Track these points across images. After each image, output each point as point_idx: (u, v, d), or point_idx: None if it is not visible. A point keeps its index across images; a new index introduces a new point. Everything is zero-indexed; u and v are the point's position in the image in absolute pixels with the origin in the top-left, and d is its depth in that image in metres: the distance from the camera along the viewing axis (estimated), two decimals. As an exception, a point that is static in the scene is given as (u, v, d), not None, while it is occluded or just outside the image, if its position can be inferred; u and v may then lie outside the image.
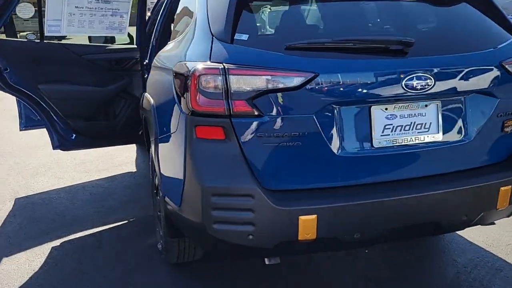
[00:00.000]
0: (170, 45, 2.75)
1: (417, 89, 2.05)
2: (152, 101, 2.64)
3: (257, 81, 1.95)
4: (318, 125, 2.00)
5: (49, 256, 3.16)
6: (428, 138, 2.16)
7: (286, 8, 2.42)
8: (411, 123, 2.14)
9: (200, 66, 1.99)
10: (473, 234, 3.26)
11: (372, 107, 2.08)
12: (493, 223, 2.51)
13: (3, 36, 4.45)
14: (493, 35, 2.29)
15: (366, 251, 3.08)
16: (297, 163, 2.04)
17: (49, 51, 3.49)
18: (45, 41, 3.55)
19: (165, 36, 3.70)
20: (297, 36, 2.08)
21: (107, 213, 3.80)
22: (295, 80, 1.96)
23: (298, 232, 2.00)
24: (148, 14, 4.55)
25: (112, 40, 5.09)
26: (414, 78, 2.03)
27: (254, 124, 1.98)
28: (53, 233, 3.48)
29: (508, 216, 2.44)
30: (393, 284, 2.78)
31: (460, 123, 2.19)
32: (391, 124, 2.11)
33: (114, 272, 2.95)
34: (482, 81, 2.17)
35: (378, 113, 2.09)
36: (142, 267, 3.00)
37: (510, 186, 2.15)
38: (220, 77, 1.96)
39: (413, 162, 2.15)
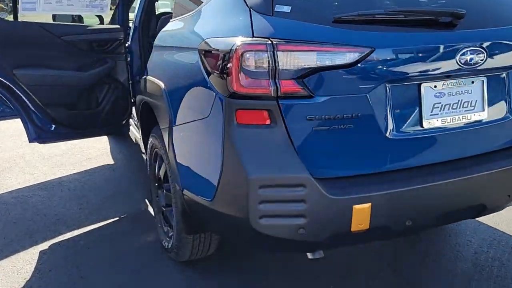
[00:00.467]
0: (178, 23, 2.47)
1: (470, 64, 1.92)
2: (162, 85, 2.36)
3: (308, 58, 1.75)
4: (372, 106, 1.83)
5: (39, 261, 2.82)
6: (474, 116, 2.05)
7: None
8: (459, 101, 2.02)
9: (243, 42, 1.75)
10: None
11: (422, 84, 1.94)
12: None
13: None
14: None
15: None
16: (347, 147, 1.87)
17: (24, 32, 3.09)
18: (19, 20, 3.15)
19: (150, 16, 3.41)
20: (343, 8, 1.89)
21: (92, 210, 3.48)
22: (349, 56, 1.77)
23: (351, 222, 1.83)
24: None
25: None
26: (469, 52, 1.90)
27: (303, 106, 1.78)
28: (37, 235, 3.13)
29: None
30: (417, 270, 2.69)
31: (504, 99, 2.09)
32: (440, 103, 1.98)
33: (119, 275, 2.67)
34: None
35: (428, 91, 1.95)
36: (148, 267, 2.74)
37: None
38: (267, 54, 1.74)
39: (461, 142, 2.04)
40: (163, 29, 2.65)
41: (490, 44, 1.95)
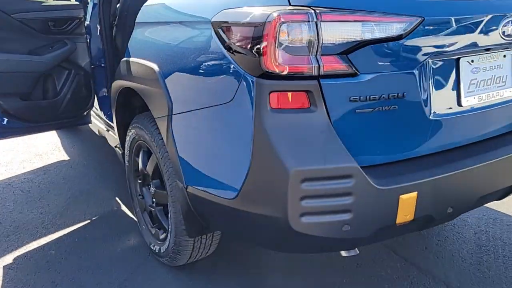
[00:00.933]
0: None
1: (509, 36, 1.78)
2: (155, 67, 2.03)
3: (353, 30, 1.52)
4: (417, 83, 1.64)
5: (5, 279, 2.41)
6: (506, 92, 1.93)
7: None
8: (492, 76, 1.88)
9: (280, 11, 1.49)
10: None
11: (461, 59, 1.77)
12: None
13: None
14: None
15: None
16: (390, 131, 1.68)
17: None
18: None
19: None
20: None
21: (57, 214, 3.07)
22: (398, 27, 1.56)
23: (397, 214, 1.65)
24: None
25: None
26: (510, 23, 1.76)
27: (347, 85, 1.56)
28: (-5, 248, 2.69)
29: None
30: (425, 255, 2.59)
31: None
32: (476, 79, 1.83)
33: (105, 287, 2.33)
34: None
35: (465, 66, 1.79)
36: (137, 275, 2.41)
37: None
38: (308, 25, 1.49)
39: (496, 120, 1.92)
40: (148, 2, 2.29)
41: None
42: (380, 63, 1.57)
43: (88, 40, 3.12)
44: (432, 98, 1.71)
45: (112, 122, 3.18)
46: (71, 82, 3.08)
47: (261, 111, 1.55)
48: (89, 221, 2.99)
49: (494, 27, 1.74)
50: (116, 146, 2.94)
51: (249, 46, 1.55)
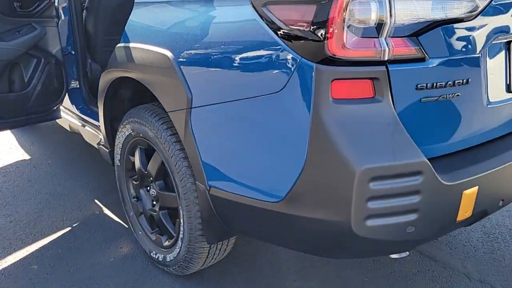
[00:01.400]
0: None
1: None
2: (168, 53, 1.76)
3: (424, 8, 1.35)
4: (481, 68, 1.51)
5: (-15, 303, 2.07)
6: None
7: None
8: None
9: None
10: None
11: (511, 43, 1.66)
12: None
13: None
14: None
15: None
16: (450, 120, 1.54)
17: None
18: None
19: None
20: None
21: (29, 222, 2.72)
22: (469, 5, 1.41)
23: (459, 211, 1.52)
24: None
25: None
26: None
27: (414, 71, 1.40)
28: (-36, 266, 2.32)
29: None
30: (437, 245, 2.52)
31: None
32: (521, 64, 1.73)
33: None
34: None
35: (513, 50, 1.68)
36: (141, 285, 2.16)
37: None
38: (380, 3, 1.30)
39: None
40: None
41: None
42: (448, 47, 1.43)
43: (58, 24, 2.76)
44: (488, 84, 1.59)
45: (88, 117, 2.87)
46: (41, 72, 2.72)
47: (321, 102, 1.35)
48: (69, 228, 2.66)
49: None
50: (100, 144, 2.62)
51: (310, 28, 1.34)
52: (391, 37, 1.34)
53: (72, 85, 2.95)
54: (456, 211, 1.51)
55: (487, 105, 1.62)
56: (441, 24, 1.39)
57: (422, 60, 1.39)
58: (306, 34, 1.35)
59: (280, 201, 1.51)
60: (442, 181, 1.43)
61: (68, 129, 3.14)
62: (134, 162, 2.30)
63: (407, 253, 1.67)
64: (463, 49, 1.45)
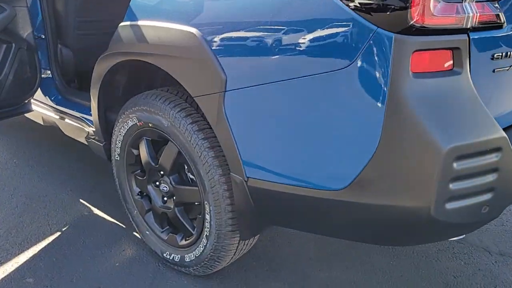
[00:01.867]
0: None
1: None
2: (193, 31, 1.55)
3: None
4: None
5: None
6: None
7: None
8: None
9: None
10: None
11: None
12: None
13: None
14: None
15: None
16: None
17: None
18: None
19: None
20: None
21: (10, 228, 2.42)
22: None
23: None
24: None
25: None
26: None
27: (492, 40, 1.31)
28: None
29: None
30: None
31: None
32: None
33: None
34: None
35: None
36: (161, 294, 1.96)
37: None
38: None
39: None
40: None
41: None
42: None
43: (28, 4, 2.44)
44: None
45: (67, 108, 2.59)
46: (13, 59, 2.39)
47: (400, 76, 1.22)
48: (59, 233, 2.39)
49: None
50: (90, 138, 2.35)
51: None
52: (476, 1, 1.22)
53: (46, 73, 2.64)
54: (521, 187, 1.44)
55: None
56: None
57: (500, 27, 1.29)
58: (385, 2, 1.20)
59: (342, 190, 1.37)
60: (516, 155, 1.34)
61: (41, 123, 2.82)
62: (137, 156, 2.07)
63: (464, 235, 1.59)
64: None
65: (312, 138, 1.41)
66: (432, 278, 2.08)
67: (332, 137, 1.37)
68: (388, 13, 1.20)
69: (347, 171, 1.35)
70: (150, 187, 2.06)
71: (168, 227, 2.08)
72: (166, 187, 1.97)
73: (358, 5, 1.24)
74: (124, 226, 2.41)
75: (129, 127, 2.00)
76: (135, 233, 2.34)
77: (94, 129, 2.34)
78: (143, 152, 2.01)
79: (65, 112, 2.60)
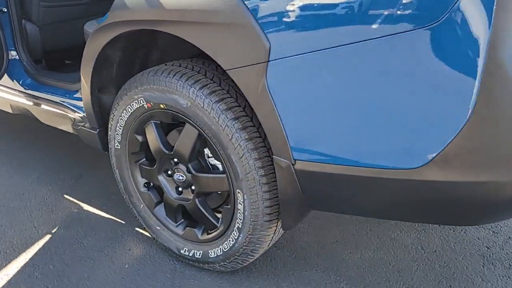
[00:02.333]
0: None
1: None
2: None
3: None
4: None
5: None
6: None
7: None
8: None
9: None
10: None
11: None
12: None
13: None
14: None
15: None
16: None
17: None
18: None
19: None
20: None
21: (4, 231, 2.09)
22: None
23: None
24: None
25: None
26: None
27: None
28: None
29: None
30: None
31: None
32: None
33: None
34: None
35: None
36: (186, 296, 1.74)
37: None
38: None
39: None
40: None
41: None
42: None
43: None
44: None
45: (42, 93, 2.26)
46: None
47: (503, 29, 1.04)
48: (49, 235, 2.10)
49: None
50: (79, 126, 2.05)
51: None
52: None
53: (11, 54, 2.29)
54: None
55: None
56: None
57: None
58: None
59: (420, 167, 1.20)
60: None
61: (10, 111, 2.46)
62: (142, 142, 1.81)
63: None
64: None
65: (378, 111, 1.21)
66: (467, 251, 1.98)
67: (408, 108, 1.18)
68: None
69: (427, 148, 1.18)
70: (161, 177, 1.81)
71: (182, 220, 1.85)
72: (182, 176, 1.73)
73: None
74: (123, 222, 2.15)
75: (134, 110, 1.73)
76: (137, 228, 2.10)
77: (81, 115, 2.04)
78: (152, 138, 1.75)
79: (39, 97, 2.27)
